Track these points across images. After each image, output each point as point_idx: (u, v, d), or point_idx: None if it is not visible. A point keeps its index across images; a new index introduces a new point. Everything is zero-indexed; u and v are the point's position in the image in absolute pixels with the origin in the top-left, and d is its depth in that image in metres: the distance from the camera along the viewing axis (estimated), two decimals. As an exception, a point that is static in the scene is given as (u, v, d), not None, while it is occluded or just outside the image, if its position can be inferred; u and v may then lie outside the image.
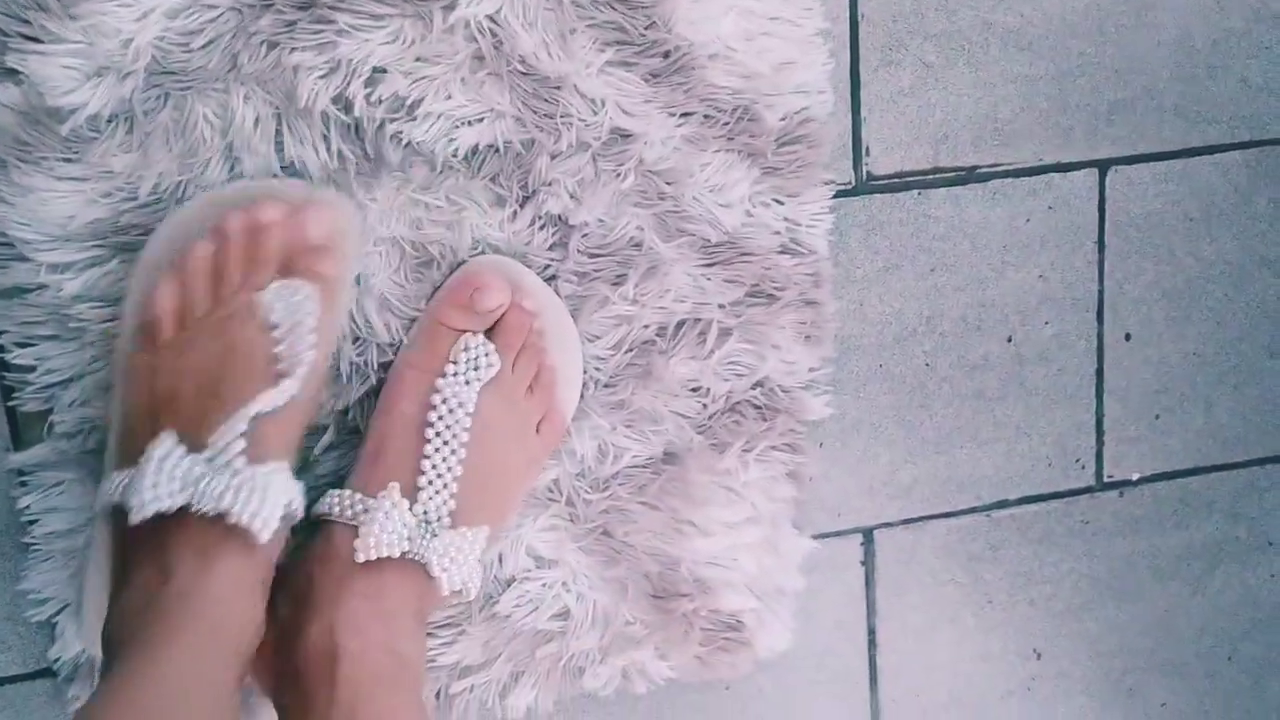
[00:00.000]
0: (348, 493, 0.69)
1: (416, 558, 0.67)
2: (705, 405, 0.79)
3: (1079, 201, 0.85)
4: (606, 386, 0.77)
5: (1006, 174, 0.83)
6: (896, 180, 0.81)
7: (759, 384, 0.79)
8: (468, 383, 0.70)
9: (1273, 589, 0.97)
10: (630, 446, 0.78)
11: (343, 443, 0.75)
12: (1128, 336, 0.88)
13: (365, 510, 0.67)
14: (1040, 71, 0.82)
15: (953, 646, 0.92)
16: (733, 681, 0.87)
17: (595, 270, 0.75)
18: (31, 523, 0.73)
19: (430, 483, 0.69)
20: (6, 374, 0.71)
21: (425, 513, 0.68)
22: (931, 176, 0.82)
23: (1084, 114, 0.83)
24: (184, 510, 0.61)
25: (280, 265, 0.66)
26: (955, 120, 0.81)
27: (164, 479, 0.61)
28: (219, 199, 0.68)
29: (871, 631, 0.90)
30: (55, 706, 0.78)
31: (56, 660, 0.75)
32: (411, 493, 0.69)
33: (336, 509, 0.68)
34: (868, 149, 0.80)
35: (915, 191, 0.82)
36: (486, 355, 0.71)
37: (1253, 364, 0.91)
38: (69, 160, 0.68)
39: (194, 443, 0.62)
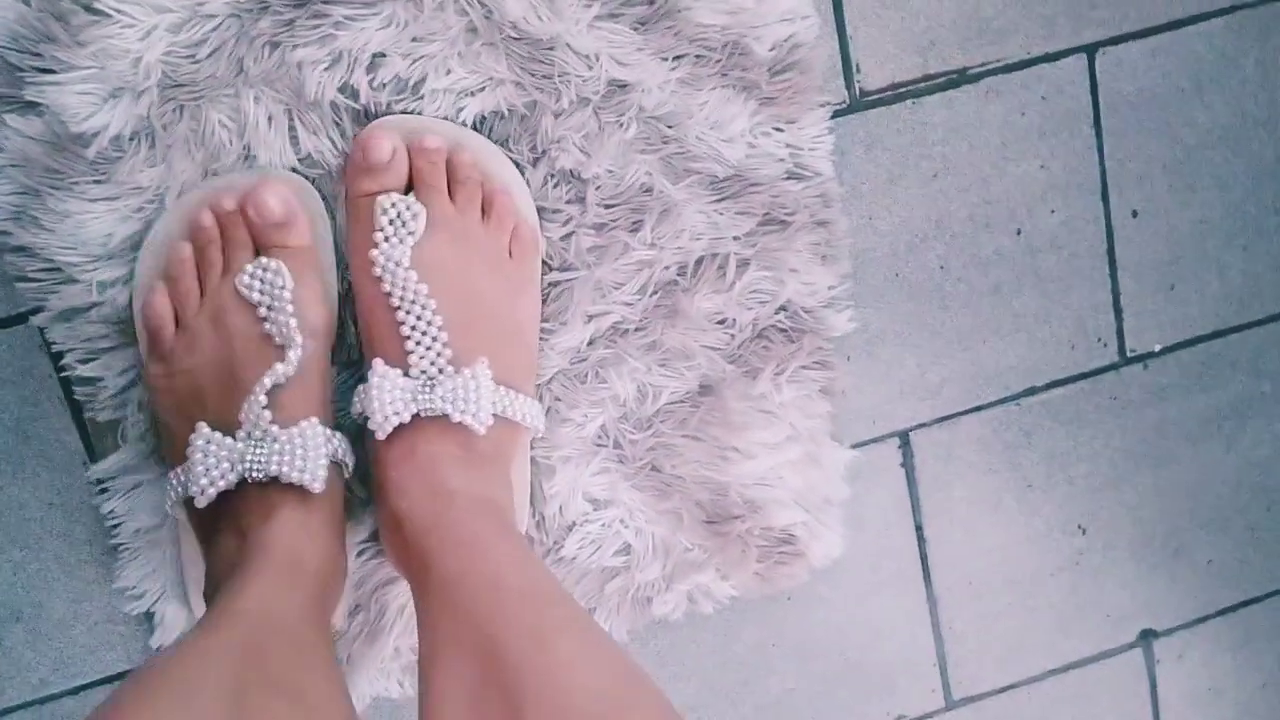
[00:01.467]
0: (344, 450, 0.70)
1: (430, 413, 0.67)
2: (733, 335, 0.80)
3: (1071, 88, 0.85)
4: (638, 330, 0.78)
5: (996, 71, 0.83)
6: (889, 92, 0.82)
7: (782, 308, 0.80)
8: (401, 241, 0.69)
9: (1303, 438, 0.98)
10: (667, 384, 0.80)
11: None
12: (1134, 213, 0.89)
13: (364, 393, 0.69)
14: (1017, -34, 0.81)
15: (999, 532, 0.93)
16: (793, 592, 0.90)
17: (612, 220, 0.76)
18: (116, 526, 0.76)
19: (417, 344, 0.68)
20: (76, 389, 0.73)
21: (424, 372, 0.68)
22: (923, 84, 0.82)
23: (1065, 1, 0.83)
24: (241, 484, 0.66)
25: (253, 248, 0.69)
26: (940, 25, 0.81)
27: (213, 463, 0.65)
28: (185, 205, 0.70)
29: (919, 528, 0.91)
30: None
31: (159, 648, 0.79)
32: (402, 359, 0.69)
33: (355, 409, 0.70)
34: (858, 66, 0.81)
35: (909, 101, 0.82)
36: (408, 208, 0.69)
37: (1259, 223, 0.91)
38: (99, 182, 0.70)
39: (227, 428, 0.66)
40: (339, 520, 0.70)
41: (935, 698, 0.96)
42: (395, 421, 0.67)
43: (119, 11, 0.67)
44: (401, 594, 0.80)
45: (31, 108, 0.68)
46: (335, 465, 0.69)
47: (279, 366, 0.67)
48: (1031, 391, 0.90)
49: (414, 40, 0.70)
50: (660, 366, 0.79)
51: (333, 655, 0.64)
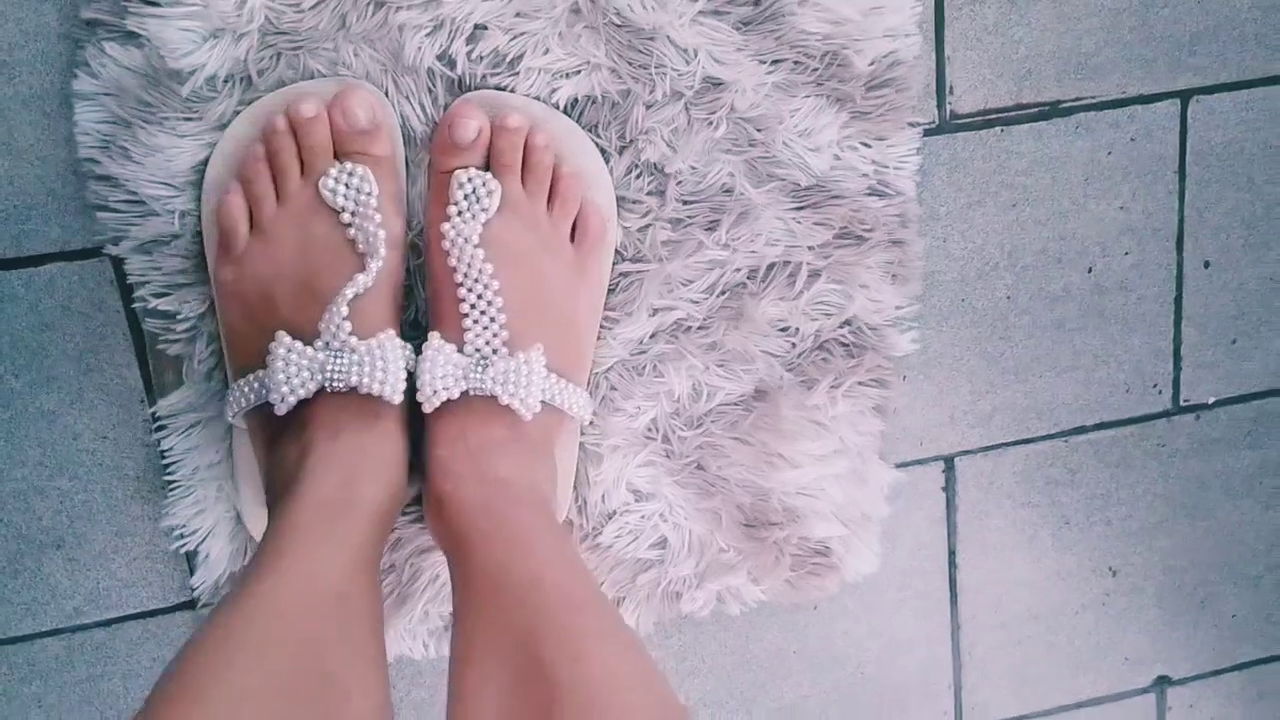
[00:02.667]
0: (411, 356, 0.69)
1: (479, 392, 0.66)
2: (794, 344, 0.79)
3: (1161, 132, 0.83)
4: (700, 329, 0.77)
5: (1089, 107, 0.81)
6: (980, 118, 0.80)
7: (847, 323, 0.79)
8: (474, 217, 0.68)
9: (1344, 506, 0.96)
10: (723, 385, 0.78)
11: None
12: (1206, 264, 0.87)
13: (416, 365, 0.67)
14: (1122, 3, 0.79)
15: (1030, 565, 0.92)
16: (820, 602, 0.89)
17: (689, 216, 0.74)
18: (171, 464, 0.75)
19: (475, 321, 0.67)
20: (148, 321, 0.72)
21: (478, 350, 0.67)
22: (1014, 113, 0.80)
23: (1166, 45, 0.81)
24: (317, 394, 0.65)
25: (333, 154, 0.68)
26: (1038, 56, 0.79)
27: (294, 370, 0.64)
28: (261, 108, 0.68)
29: (952, 552, 0.90)
30: (194, 632, 0.81)
31: (198, 587, 0.78)
32: (459, 336, 0.68)
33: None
34: (951, 88, 0.79)
35: (998, 128, 0.80)
36: (484, 184, 0.68)
37: (1330, 288, 0.89)
38: (189, 119, 0.69)
39: (304, 336, 0.66)
40: (403, 442, 0.69)
41: None
42: (443, 396, 0.66)
43: (227, -47, 0.66)
44: (437, 563, 0.80)
45: (131, 38, 0.67)
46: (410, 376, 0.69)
47: (360, 277, 0.66)
48: (1081, 430, 0.89)
49: (517, 15, 0.69)
50: (718, 367, 0.78)
51: (378, 611, 0.62)
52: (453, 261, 0.67)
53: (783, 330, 0.78)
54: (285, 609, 0.56)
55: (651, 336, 0.76)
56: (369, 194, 0.67)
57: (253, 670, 0.53)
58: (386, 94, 0.69)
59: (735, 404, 0.79)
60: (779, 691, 0.91)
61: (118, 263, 0.72)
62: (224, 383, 0.74)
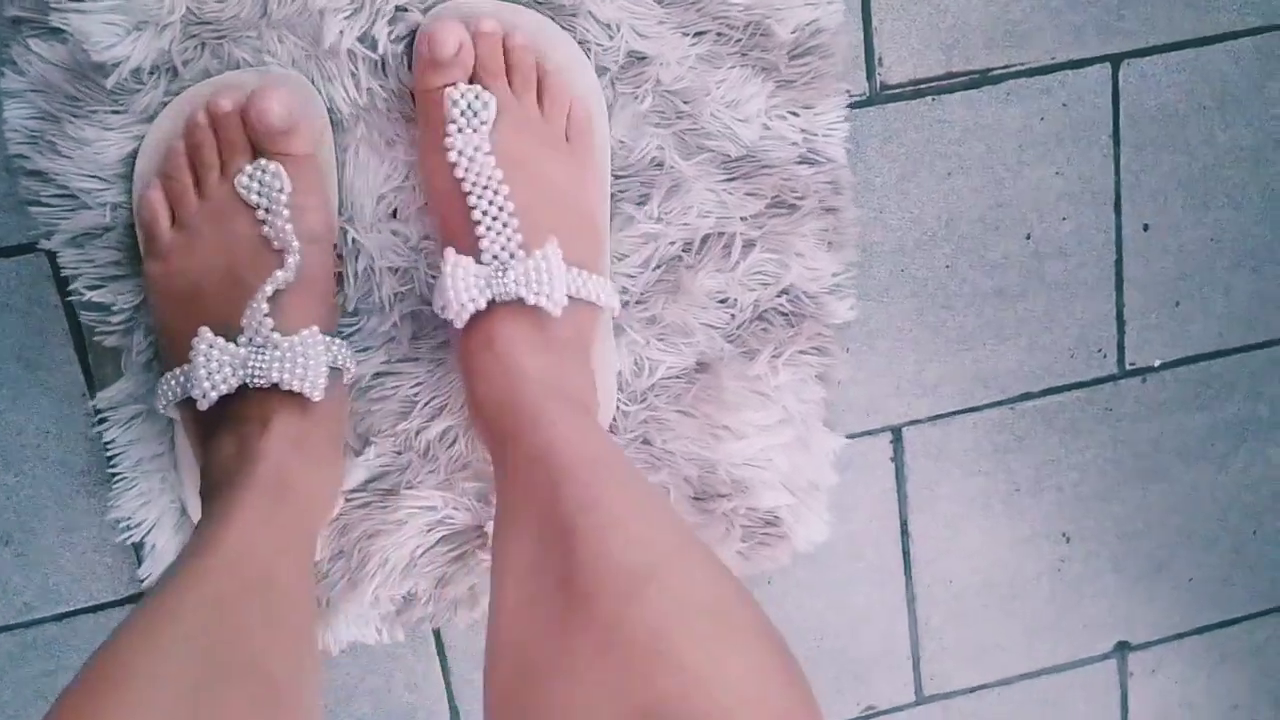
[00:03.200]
0: (346, 356, 0.69)
1: (505, 297, 0.66)
2: (733, 315, 0.78)
3: (1093, 97, 0.82)
4: (638, 303, 0.77)
5: (1019, 74, 0.81)
6: (910, 88, 0.79)
7: (784, 292, 0.78)
8: (474, 130, 0.67)
9: (1295, 465, 0.95)
10: (664, 359, 0.78)
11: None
12: (1145, 227, 0.86)
13: (439, 284, 0.67)
14: (1049, -30, 0.79)
15: (983, 534, 0.91)
16: (774, 575, 0.88)
17: (620, 191, 0.74)
18: (114, 456, 0.75)
19: (488, 229, 0.66)
20: (83, 313, 0.72)
21: (495, 258, 0.67)
22: (945, 82, 0.80)
23: (1094, 9, 0.80)
24: (242, 389, 0.65)
25: (253, 150, 0.67)
26: (966, 24, 0.79)
27: (215, 367, 0.64)
28: (184, 101, 0.68)
29: (904, 523, 0.90)
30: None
31: (146, 579, 0.77)
32: (474, 248, 0.67)
33: (436, 303, 0.69)
34: (880, 59, 0.78)
35: (929, 98, 0.80)
36: (477, 97, 0.67)
37: (1270, 246, 0.88)
38: (117, 112, 0.68)
39: (228, 332, 0.65)
40: (338, 430, 0.69)
41: (906, 692, 0.94)
42: (471, 309, 0.66)
43: (147, -55, 0.66)
44: (385, 547, 0.79)
45: (56, 34, 0.67)
46: (335, 372, 0.68)
47: (279, 273, 0.65)
48: (1027, 396, 0.88)
49: (437, -4, 0.69)
50: (659, 341, 0.78)
51: (309, 597, 0.63)
52: (460, 173, 0.67)
53: (721, 302, 0.78)
54: (211, 594, 0.56)
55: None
56: (280, 191, 0.66)
57: (174, 658, 0.52)
58: (311, 80, 0.69)
59: (677, 377, 0.79)
60: (737, 667, 0.90)
61: (53, 257, 0.71)
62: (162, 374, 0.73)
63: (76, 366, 0.74)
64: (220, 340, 0.65)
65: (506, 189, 0.66)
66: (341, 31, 0.68)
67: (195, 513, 0.75)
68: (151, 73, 0.68)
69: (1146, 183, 0.85)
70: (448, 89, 0.67)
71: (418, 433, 0.76)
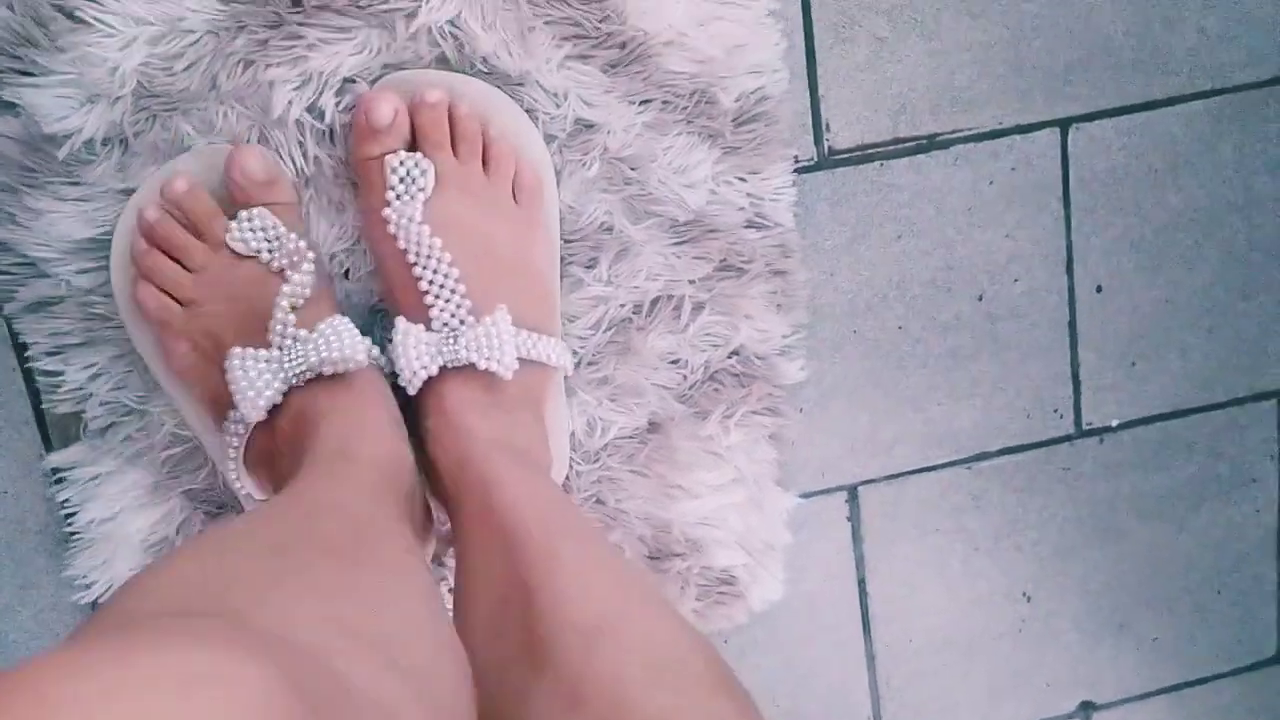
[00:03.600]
0: (375, 349, 0.69)
1: (456, 363, 0.66)
2: (685, 376, 0.78)
3: (1042, 161, 0.82)
4: (590, 364, 0.77)
5: (967, 139, 0.81)
6: (858, 153, 0.80)
7: (735, 353, 0.78)
8: (412, 198, 0.67)
9: (1257, 522, 0.94)
10: (616, 419, 0.78)
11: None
12: (1099, 288, 0.86)
13: (391, 351, 0.67)
14: (993, 37, 0.79)
15: (943, 593, 0.90)
16: (730, 635, 0.87)
17: (569, 255, 0.74)
18: (70, 515, 0.75)
19: (436, 297, 0.67)
20: (40, 378, 0.72)
21: (446, 324, 0.67)
22: (893, 147, 0.80)
23: (1041, 75, 0.81)
24: (288, 407, 0.65)
25: (223, 215, 0.68)
26: (913, 91, 0.79)
27: (254, 375, 0.65)
28: (133, 206, 0.69)
29: (862, 582, 0.89)
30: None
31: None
32: (424, 315, 0.67)
33: (386, 369, 0.70)
34: (828, 125, 0.79)
35: (878, 163, 0.80)
36: (416, 165, 0.67)
37: (1225, 306, 0.88)
38: (71, 183, 0.69)
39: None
40: (391, 410, 0.68)
41: (867, 751, 0.93)
42: (423, 375, 0.66)
43: (100, 21, 0.66)
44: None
45: (9, 107, 0.68)
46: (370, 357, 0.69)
47: (295, 277, 0.66)
48: (983, 456, 0.88)
49: (385, 66, 0.69)
50: (611, 401, 0.77)
51: (401, 538, 0.58)
52: (401, 244, 0.67)
53: (672, 363, 0.78)
54: (310, 509, 0.54)
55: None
56: (275, 225, 0.67)
57: (279, 529, 0.51)
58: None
59: (630, 437, 0.79)
60: (694, 727, 0.89)
61: (10, 322, 0.72)
62: (124, 439, 0.74)
63: (34, 428, 0.74)
64: (250, 350, 0.65)
65: (449, 256, 0.67)
66: (290, 102, 0.69)
67: None
68: (104, 144, 0.69)
69: (1098, 244, 0.85)
70: (388, 157, 0.68)
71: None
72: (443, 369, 0.67)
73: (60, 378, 0.72)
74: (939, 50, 0.79)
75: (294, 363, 0.65)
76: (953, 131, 0.80)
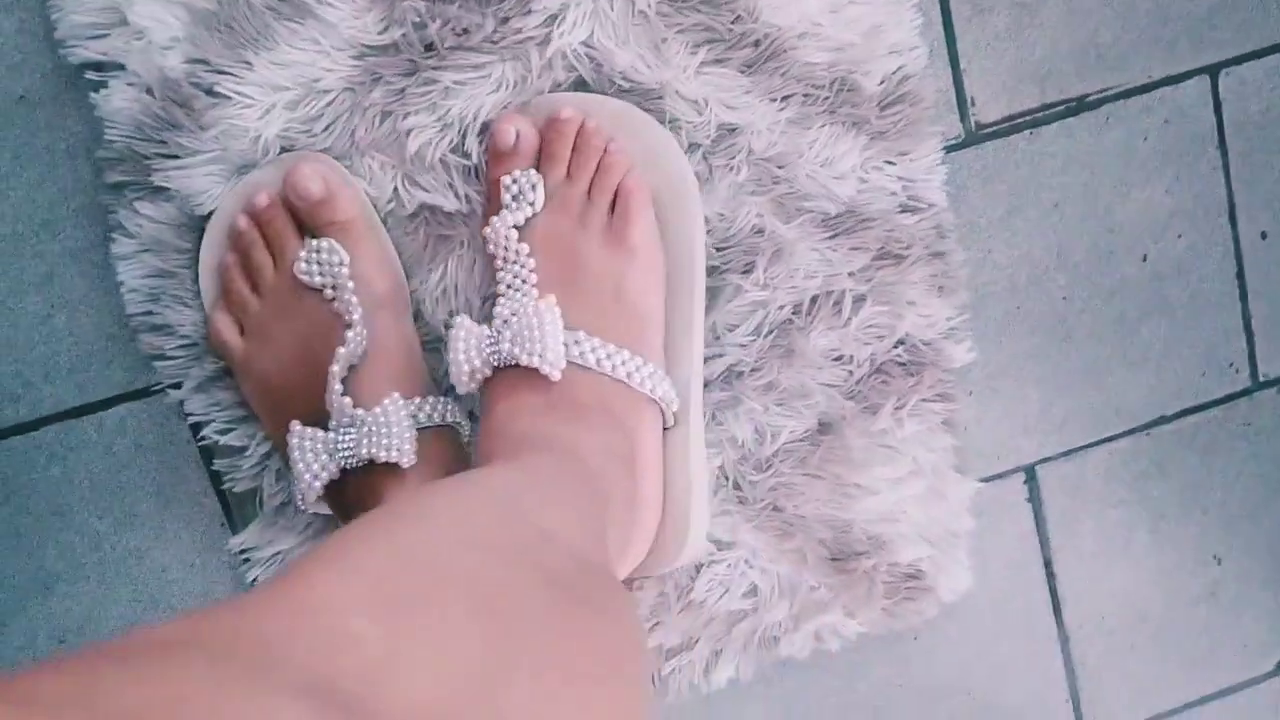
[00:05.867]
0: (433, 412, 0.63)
1: (500, 360, 0.59)
2: (851, 372, 0.71)
3: (1194, 110, 0.73)
4: (754, 371, 0.69)
5: (1116, 96, 0.72)
6: (1006, 124, 0.71)
7: (900, 342, 0.71)
8: (517, 209, 0.61)
9: None
10: (785, 424, 0.71)
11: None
12: (1263, 235, 0.77)
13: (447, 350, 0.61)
14: (1134, -12, 0.71)
15: (1131, 566, 0.81)
16: (919, 631, 0.79)
17: (724, 263, 0.67)
18: (257, 581, 0.70)
19: (505, 296, 0.61)
20: (215, 461, 0.68)
21: (505, 322, 0.60)
22: (1041, 114, 0.72)
23: (1185, 22, 0.72)
24: (349, 474, 0.60)
25: (299, 235, 0.62)
26: (1056, 54, 0.71)
27: (310, 459, 0.59)
28: (222, 215, 0.63)
29: (1048, 564, 0.80)
30: None
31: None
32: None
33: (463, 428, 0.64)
34: (973, 100, 0.71)
35: (1027, 132, 0.72)
36: (528, 180, 0.62)
37: (1399, 239, 0.78)
38: (228, 252, 0.64)
39: (319, 420, 0.60)
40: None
41: (1070, 735, 0.85)
42: (467, 370, 0.60)
43: (239, 94, 0.61)
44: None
45: (160, 192, 0.63)
46: (447, 430, 0.62)
47: (341, 351, 0.60)
48: (1161, 421, 0.79)
49: (524, 103, 0.63)
50: (778, 407, 0.70)
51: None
52: (491, 248, 0.61)
53: (837, 360, 0.70)
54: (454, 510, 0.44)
55: (705, 387, 0.69)
56: (341, 264, 0.61)
57: (444, 526, 0.41)
58: (409, 191, 0.64)
59: (801, 440, 0.71)
60: (892, 727, 0.81)
61: (182, 403, 0.67)
62: (298, 515, 0.68)
63: (214, 499, 0.69)
64: (309, 430, 0.60)
65: (533, 263, 0.61)
66: (433, 144, 0.63)
67: None
68: (257, 210, 0.63)
69: (1259, 190, 0.76)
70: (502, 177, 0.62)
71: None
72: (497, 370, 0.60)
73: (241, 453, 0.67)
74: (1079, 9, 0.70)
75: (345, 450, 0.59)
76: (1101, 91, 0.72)
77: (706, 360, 0.68)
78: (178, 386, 0.66)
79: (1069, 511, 0.79)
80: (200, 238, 0.64)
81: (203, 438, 0.66)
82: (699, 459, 0.65)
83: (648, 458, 0.62)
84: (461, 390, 0.60)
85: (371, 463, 0.59)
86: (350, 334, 0.60)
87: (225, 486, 0.67)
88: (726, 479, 0.71)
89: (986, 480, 0.77)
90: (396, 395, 0.60)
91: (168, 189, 0.63)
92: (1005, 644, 0.81)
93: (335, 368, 0.59)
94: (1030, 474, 0.78)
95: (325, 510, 0.64)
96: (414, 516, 0.41)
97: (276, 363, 0.62)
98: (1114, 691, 0.84)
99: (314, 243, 0.62)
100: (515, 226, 0.61)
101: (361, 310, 0.61)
